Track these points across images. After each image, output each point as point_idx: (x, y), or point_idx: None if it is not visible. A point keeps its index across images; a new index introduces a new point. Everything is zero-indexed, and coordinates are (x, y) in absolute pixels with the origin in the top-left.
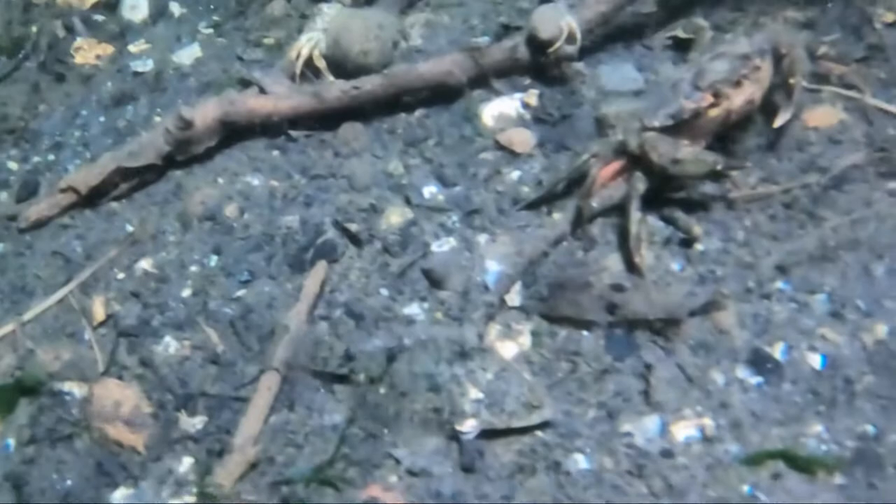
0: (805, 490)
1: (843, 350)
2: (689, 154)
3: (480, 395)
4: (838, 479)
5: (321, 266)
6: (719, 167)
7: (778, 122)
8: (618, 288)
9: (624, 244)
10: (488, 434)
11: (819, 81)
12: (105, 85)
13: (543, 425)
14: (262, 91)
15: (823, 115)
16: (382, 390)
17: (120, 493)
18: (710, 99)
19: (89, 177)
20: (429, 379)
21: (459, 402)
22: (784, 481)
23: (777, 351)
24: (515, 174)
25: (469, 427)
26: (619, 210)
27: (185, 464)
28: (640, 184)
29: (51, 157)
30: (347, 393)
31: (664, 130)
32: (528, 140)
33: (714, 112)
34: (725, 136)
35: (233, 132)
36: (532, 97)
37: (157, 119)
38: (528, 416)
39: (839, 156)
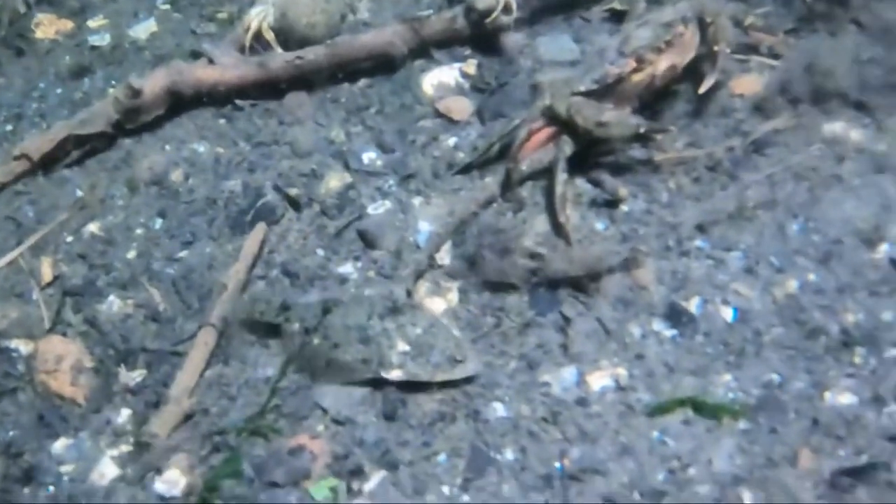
0: (710, 436)
1: (754, 304)
2: (613, 117)
3: (408, 348)
4: (742, 424)
5: (260, 228)
6: (642, 130)
7: (702, 88)
8: (538, 253)
9: (550, 205)
10: (413, 386)
11: (747, 51)
12: (63, 59)
13: (467, 380)
14: (211, 62)
15: (749, 83)
16: (316, 340)
17: (60, 444)
18: (633, 64)
19: (42, 144)
20: (360, 331)
21: (388, 354)
22: (692, 427)
23: (692, 305)
24: (452, 140)
25: (395, 377)
26: (547, 173)
27: (124, 415)
28: (567, 147)
29: (8, 127)
30: (280, 345)
31: (590, 95)
32: (465, 108)
33: (637, 77)
34: (652, 102)
35: (181, 101)
36: (471, 67)
37: (111, 91)
38: (452, 370)
39: (762, 122)
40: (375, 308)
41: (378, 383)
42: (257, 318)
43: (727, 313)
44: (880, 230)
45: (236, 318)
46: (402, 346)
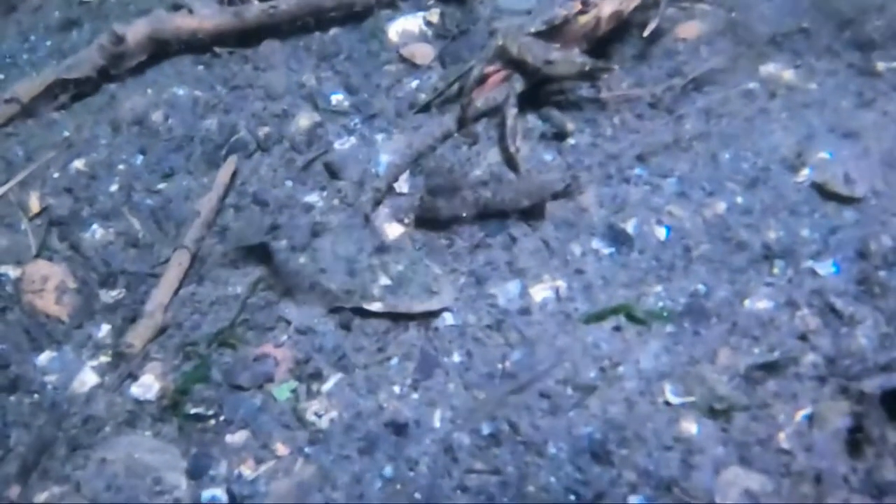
0: (639, 339)
1: (685, 224)
2: (560, 56)
3: (389, 282)
4: (669, 328)
5: (231, 160)
6: (587, 68)
7: (646, 31)
8: (485, 184)
9: (502, 138)
10: (392, 317)
11: None
12: (53, 13)
13: (442, 311)
14: (190, 12)
15: (691, 28)
16: (302, 260)
17: (45, 356)
18: (579, 6)
19: (31, 88)
20: (348, 262)
21: (370, 287)
22: (622, 332)
23: (629, 226)
24: (415, 83)
25: (375, 308)
26: (500, 110)
27: (104, 330)
28: (517, 84)
29: (1, 76)
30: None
31: (540, 36)
32: (428, 53)
33: (584, 19)
34: (600, 45)
35: (162, 48)
36: (434, 15)
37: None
38: (429, 301)
39: (701, 63)
40: (364, 244)
41: (359, 313)
42: (247, 239)
43: (661, 232)
44: (803, 157)
45: (227, 239)
46: (384, 280)
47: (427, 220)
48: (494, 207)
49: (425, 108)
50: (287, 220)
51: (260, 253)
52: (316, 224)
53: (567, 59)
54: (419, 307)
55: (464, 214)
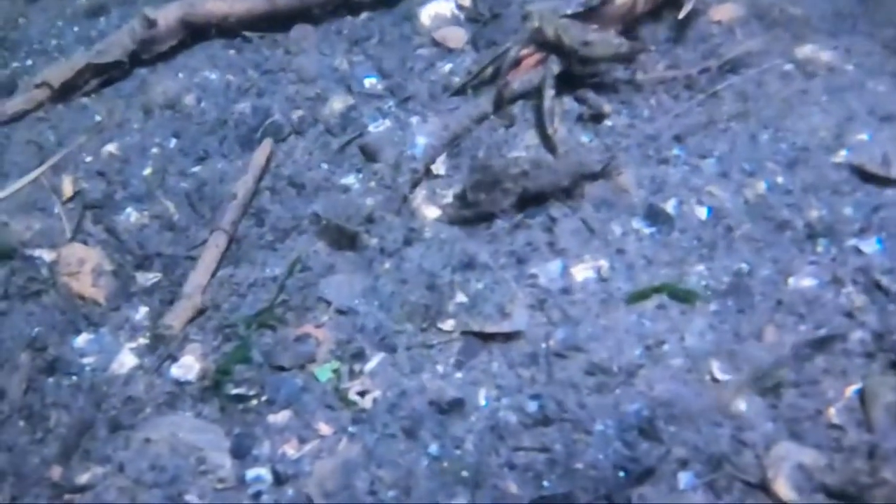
0: (683, 317)
1: (726, 204)
2: (598, 37)
3: (465, 300)
4: (713, 307)
5: (267, 142)
6: (624, 49)
7: (681, 14)
8: (525, 174)
9: (539, 119)
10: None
11: None
12: (79, 0)
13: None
14: None
15: (725, 10)
16: (387, 265)
17: (82, 338)
18: None
19: (62, 73)
20: (430, 276)
21: (446, 304)
22: (666, 311)
23: (669, 206)
24: (448, 66)
25: (448, 327)
26: (537, 93)
27: (141, 312)
28: (555, 66)
29: (28, 62)
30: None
31: (577, 18)
32: (460, 37)
33: (621, 0)
34: (636, 27)
35: (193, 33)
36: None
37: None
38: (501, 324)
39: (737, 45)
40: (451, 259)
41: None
42: (341, 224)
43: (701, 212)
44: (842, 138)
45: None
46: (461, 298)
47: (469, 217)
48: (534, 192)
49: (461, 91)
50: (322, 201)
51: (349, 241)
52: (411, 231)
53: (605, 40)
54: (492, 328)
55: (506, 206)
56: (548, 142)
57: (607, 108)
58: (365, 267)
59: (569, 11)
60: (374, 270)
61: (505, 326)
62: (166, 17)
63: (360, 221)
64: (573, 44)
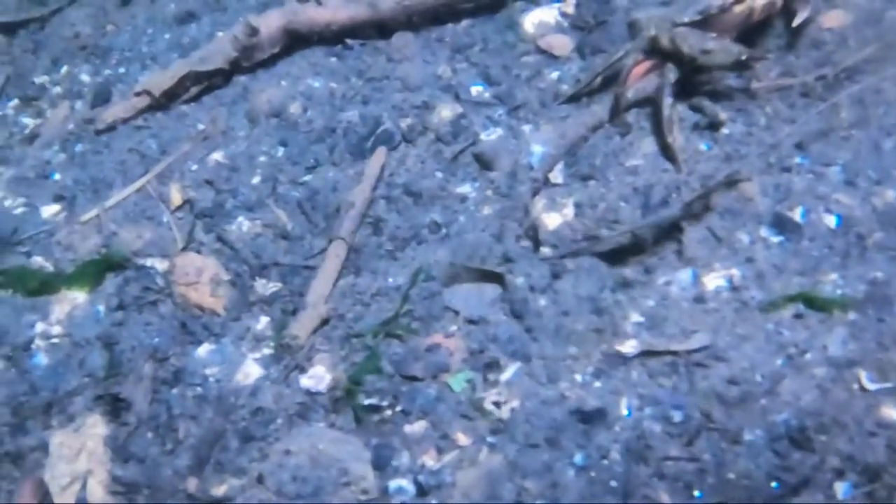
0: (823, 326)
1: (855, 212)
2: (717, 45)
3: (641, 319)
4: (851, 316)
5: (381, 151)
6: (744, 57)
7: (796, 21)
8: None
9: (658, 129)
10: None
11: None
12: (169, 6)
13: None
14: (319, 3)
15: (836, 17)
16: (542, 302)
17: (203, 349)
18: None
19: (163, 81)
20: (591, 301)
21: (621, 325)
22: (804, 320)
23: (796, 214)
24: (555, 74)
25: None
26: (651, 102)
27: (263, 322)
28: (671, 73)
29: (121, 69)
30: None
31: (693, 25)
32: (566, 44)
33: (739, 8)
34: (749, 35)
35: (294, 40)
36: (569, 6)
37: (220, 34)
38: (687, 341)
39: (850, 52)
40: (606, 282)
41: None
42: (476, 264)
43: (830, 220)
44: None
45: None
46: (636, 318)
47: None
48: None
49: (572, 99)
50: (440, 211)
51: (492, 279)
52: (554, 265)
53: (724, 48)
54: (678, 346)
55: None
56: (667, 150)
57: (723, 116)
58: (520, 304)
59: (686, 19)
60: (531, 308)
61: (693, 343)
62: (268, 24)
63: (499, 261)
64: (693, 52)
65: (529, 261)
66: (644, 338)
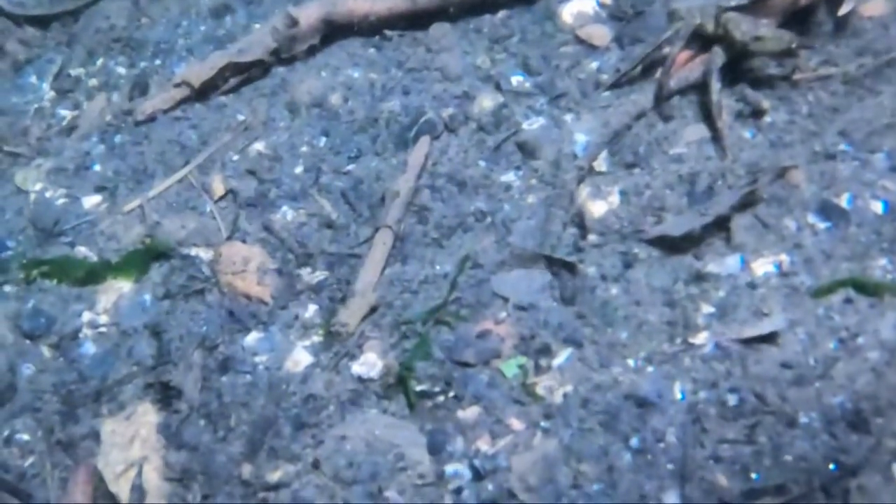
0: (874, 311)
1: None
2: (769, 32)
3: (712, 310)
4: None
5: (425, 140)
6: (794, 45)
7: (841, 11)
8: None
9: (707, 114)
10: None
11: None
12: None
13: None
14: None
15: (877, 6)
16: (614, 291)
17: (252, 337)
18: None
19: (202, 72)
20: (664, 293)
21: (693, 317)
22: (855, 304)
23: (843, 200)
24: (595, 64)
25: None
26: (694, 89)
27: (311, 310)
28: (719, 59)
29: (157, 61)
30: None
31: (740, 10)
32: (605, 34)
33: None
34: (792, 21)
35: (333, 31)
36: None
37: (256, 26)
38: (760, 326)
39: (891, 40)
40: (679, 273)
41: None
42: (548, 252)
43: (877, 207)
44: None
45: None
46: (708, 309)
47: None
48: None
49: (616, 86)
50: (485, 199)
51: (560, 265)
52: (627, 255)
53: (776, 35)
54: (750, 332)
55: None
56: (718, 137)
57: (765, 103)
58: (587, 293)
59: (733, 3)
60: (599, 297)
61: (765, 327)
62: (308, 15)
63: (570, 251)
64: (745, 38)
65: (600, 250)
66: (715, 328)
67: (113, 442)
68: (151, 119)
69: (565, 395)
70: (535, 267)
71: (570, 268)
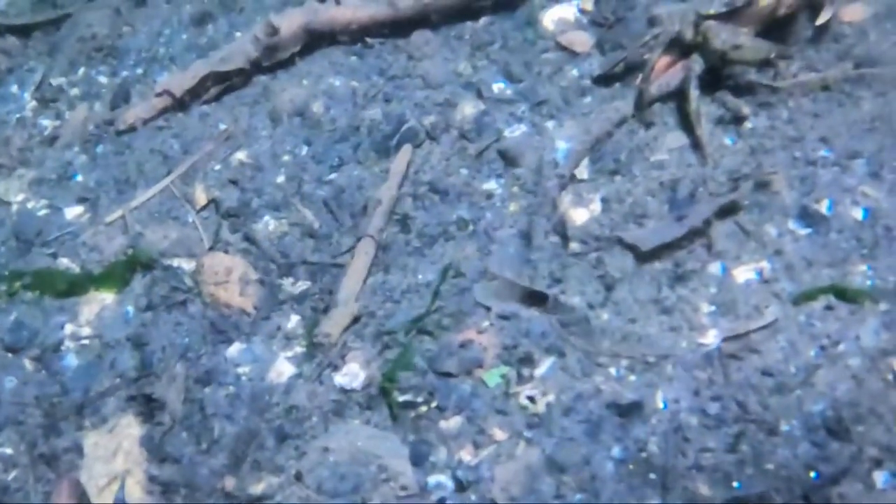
0: (855, 317)
1: (882, 204)
2: (748, 41)
3: (713, 308)
4: (883, 306)
5: (407, 148)
6: (773, 55)
7: (820, 19)
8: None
9: (686, 121)
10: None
11: None
12: (184, 7)
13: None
14: (338, 2)
15: (856, 11)
16: (605, 316)
17: (234, 348)
18: None
19: (184, 81)
20: (656, 303)
21: (694, 318)
22: (836, 311)
23: (823, 206)
24: (576, 71)
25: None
26: (674, 96)
27: (293, 321)
28: (697, 66)
29: (139, 70)
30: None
31: (719, 18)
32: (586, 41)
33: (765, 1)
34: (771, 29)
35: (314, 39)
36: (588, 2)
37: (238, 35)
38: (762, 317)
39: (870, 46)
40: (661, 281)
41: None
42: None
43: (857, 213)
44: None
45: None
46: (708, 308)
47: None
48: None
49: (600, 80)
50: (467, 208)
51: (538, 300)
52: (603, 277)
53: (755, 45)
54: (754, 325)
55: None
56: (697, 143)
57: (746, 109)
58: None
59: (712, 11)
60: (594, 323)
61: (765, 319)
62: (289, 24)
63: (549, 283)
64: (724, 47)
65: (578, 278)
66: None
67: (96, 455)
68: (133, 129)
69: (548, 405)
70: (513, 299)
71: (541, 297)
